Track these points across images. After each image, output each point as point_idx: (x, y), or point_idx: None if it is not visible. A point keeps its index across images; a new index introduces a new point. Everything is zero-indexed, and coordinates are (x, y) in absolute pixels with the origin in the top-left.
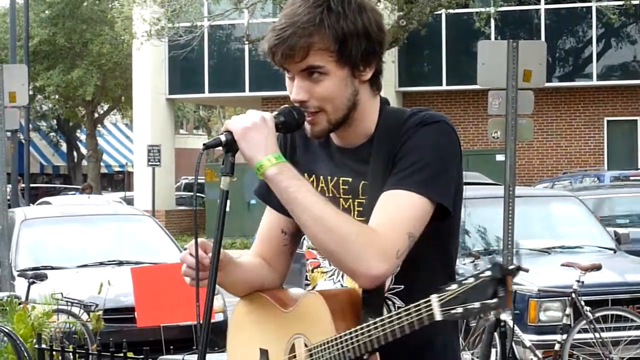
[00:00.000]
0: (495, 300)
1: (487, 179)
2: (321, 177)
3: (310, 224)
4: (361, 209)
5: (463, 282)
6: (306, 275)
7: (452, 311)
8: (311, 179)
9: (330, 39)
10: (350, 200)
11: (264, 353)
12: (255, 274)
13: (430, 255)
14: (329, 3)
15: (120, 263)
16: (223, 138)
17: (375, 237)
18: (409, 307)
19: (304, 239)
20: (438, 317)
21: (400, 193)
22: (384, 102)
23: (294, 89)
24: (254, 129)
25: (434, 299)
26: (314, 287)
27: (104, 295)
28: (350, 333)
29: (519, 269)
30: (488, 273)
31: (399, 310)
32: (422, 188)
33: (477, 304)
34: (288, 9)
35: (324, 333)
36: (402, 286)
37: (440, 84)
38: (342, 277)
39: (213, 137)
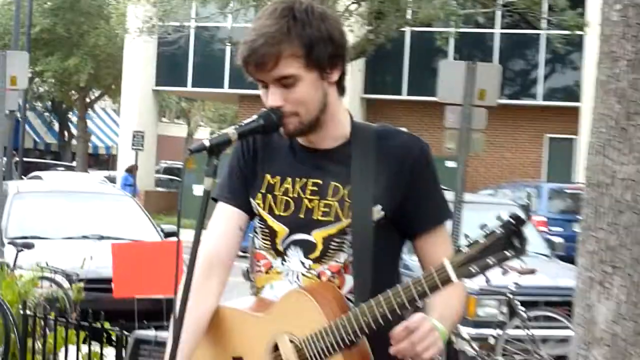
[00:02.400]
0: (511, 251)
1: None
2: (287, 177)
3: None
4: (327, 209)
5: (475, 242)
6: (251, 277)
7: (467, 271)
8: (275, 179)
9: (298, 45)
10: (316, 201)
11: None
12: (208, 313)
13: (393, 258)
14: (294, 13)
15: (101, 237)
16: (207, 143)
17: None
18: (418, 277)
19: (254, 239)
20: (454, 278)
21: (444, 229)
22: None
23: (270, 97)
24: (435, 332)
25: (447, 263)
26: (262, 288)
27: (85, 268)
28: (349, 317)
29: (528, 215)
30: (500, 230)
31: (405, 283)
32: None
33: (492, 259)
34: (257, 23)
35: (313, 325)
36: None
37: (401, 94)
38: (298, 277)
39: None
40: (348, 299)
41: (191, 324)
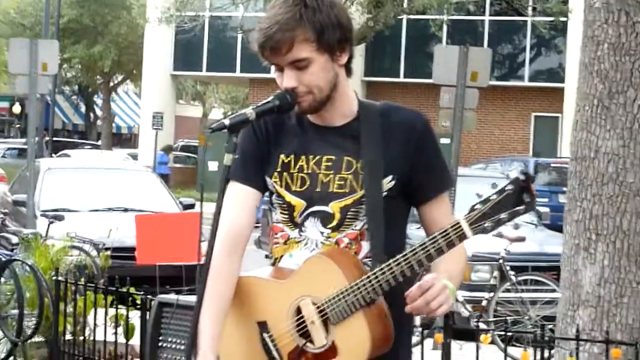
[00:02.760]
0: (522, 206)
1: None
2: (301, 155)
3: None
4: (342, 182)
5: (488, 199)
6: (267, 248)
7: (482, 226)
8: (289, 158)
9: (310, 30)
10: (331, 176)
11: (262, 325)
12: (231, 291)
13: (401, 224)
14: (305, 1)
15: (126, 210)
16: (227, 122)
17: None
18: (434, 235)
19: (268, 213)
20: (469, 234)
21: (447, 196)
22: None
23: (285, 79)
24: (446, 290)
25: (462, 220)
26: (280, 258)
27: (111, 238)
28: (369, 277)
29: (535, 172)
30: (510, 187)
31: (422, 242)
32: (452, 183)
33: (504, 215)
34: (270, 11)
35: (334, 287)
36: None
37: (399, 76)
38: (317, 245)
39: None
40: (364, 264)
41: (218, 301)
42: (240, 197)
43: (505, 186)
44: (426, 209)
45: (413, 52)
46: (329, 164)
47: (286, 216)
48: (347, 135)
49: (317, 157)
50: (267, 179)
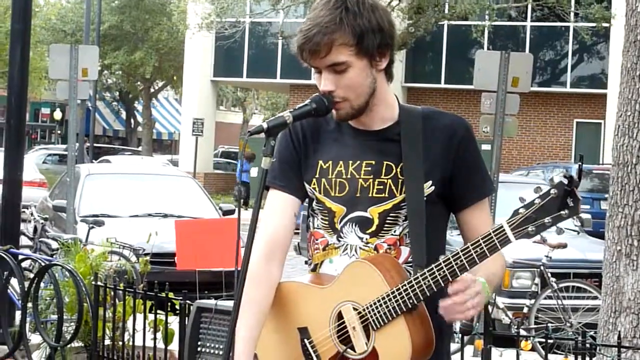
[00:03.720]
0: (566, 211)
1: None
2: (339, 161)
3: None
4: (381, 187)
5: (531, 203)
6: (308, 255)
7: (525, 231)
8: (327, 164)
9: (349, 35)
10: (371, 180)
11: (303, 331)
12: (270, 298)
13: (441, 230)
14: (346, 4)
15: (165, 215)
16: (265, 125)
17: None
18: (476, 239)
19: (311, 220)
20: (512, 238)
21: (487, 201)
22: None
23: (322, 82)
24: (480, 294)
25: (505, 224)
26: (320, 264)
27: (151, 243)
28: (411, 282)
29: (580, 177)
30: (554, 191)
31: (465, 246)
32: (493, 189)
33: (548, 219)
34: (312, 13)
35: (375, 292)
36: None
37: (440, 82)
38: (356, 251)
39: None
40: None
41: (254, 307)
42: (280, 205)
43: (549, 190)
44: (465, 215)
45: (454, 58)
46: (369, 169)
47: (326, 222)
48: (387, 139)
49: (357, 163)
50: (307, 186)
